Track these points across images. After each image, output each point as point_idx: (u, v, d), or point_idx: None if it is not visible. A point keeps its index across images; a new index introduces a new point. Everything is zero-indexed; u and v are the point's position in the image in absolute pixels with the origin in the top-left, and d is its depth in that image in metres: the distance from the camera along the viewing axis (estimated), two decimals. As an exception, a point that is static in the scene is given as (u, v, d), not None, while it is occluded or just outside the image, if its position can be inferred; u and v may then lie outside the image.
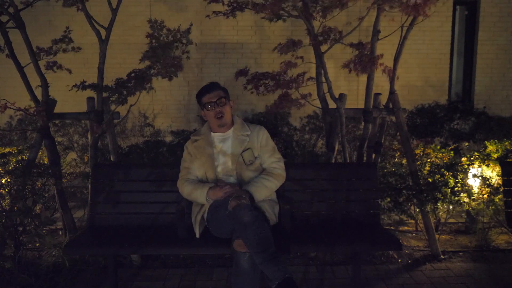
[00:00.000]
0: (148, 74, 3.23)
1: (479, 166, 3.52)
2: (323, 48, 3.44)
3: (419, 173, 3.41)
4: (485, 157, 3.53)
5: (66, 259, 3.10)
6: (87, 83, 3.23)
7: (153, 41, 3.26)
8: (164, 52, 3.21)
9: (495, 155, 3.51)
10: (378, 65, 3.33)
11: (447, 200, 3.27)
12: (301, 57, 3.52)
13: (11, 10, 3.17)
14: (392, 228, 3.98)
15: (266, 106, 3.81)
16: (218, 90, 2.60)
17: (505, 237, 3.72)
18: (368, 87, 3.53)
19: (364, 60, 3.27)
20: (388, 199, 3.39)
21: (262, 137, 2.65)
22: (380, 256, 3.34)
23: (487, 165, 3.50)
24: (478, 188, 3.47)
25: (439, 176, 3.34)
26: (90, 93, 3.32)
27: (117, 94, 3.19)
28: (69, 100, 4.18)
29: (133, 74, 3.26)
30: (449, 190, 3.28)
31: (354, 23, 3.42)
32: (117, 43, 5.66)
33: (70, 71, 3.42)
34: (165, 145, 3.96)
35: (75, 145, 4.92)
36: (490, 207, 3.40)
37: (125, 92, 3.20)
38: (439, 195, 3.25)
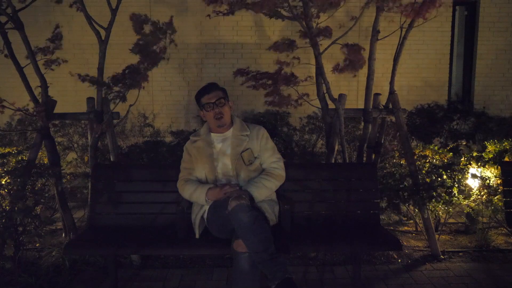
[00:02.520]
0: (140, 69, 3.24)
1: (479, 167, 3.53)
2: (321, 48, 3.44)
3: (418, 173, 3.41)
4: (483, 158, 3.53)
5: (66, 259, 3.10)
6: (88, 77, 3.23)
7: (140, 35, 3.27)
8: (151, 43, 3.23)
9: (491, 155, 3.52)
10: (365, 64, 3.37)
11: (442, 200, 3.27)
12: (298, 58, 3.52)
13: (9, 11, 3.17)
14: (392, 228, 3.99)
15: (266, 109, 3.82)
16: (217, 91, 2.61)
17: (505, 237, 3.72)
18: (368, 87, 3.53)
19: (353, 63, 3.30)
20: (386, 199, 3.39)
21: (261, 137, 2.65)
22: (380, 256, 3.34)
23: (484, 166, 3.50)
24: (477, 188, 3.47)
25: (437, 176, 3.34)
26: (90, 93, 3.32)
27: (115, 92, 3.20)
28: (69, 100, 4.18)
29: (127, 70, 3.26)
30: (445, 190, 3.27)
31: (350, 22, 3.42)
32: (117, 43, 5.65)
33: (66, 61, 3.41)
34: (165, 145, 3.96)
35: (75, 145, 4.92)
36: (489, 208, 3.40)
37: (122, 89, 3.20)
38: (435, 195, 3.25)
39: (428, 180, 3.35)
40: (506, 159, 3.45)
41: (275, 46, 3.49)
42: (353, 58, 3.31)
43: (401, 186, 3.39)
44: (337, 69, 3.40)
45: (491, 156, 3.49)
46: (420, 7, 3.09)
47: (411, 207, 3.50)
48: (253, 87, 3.62)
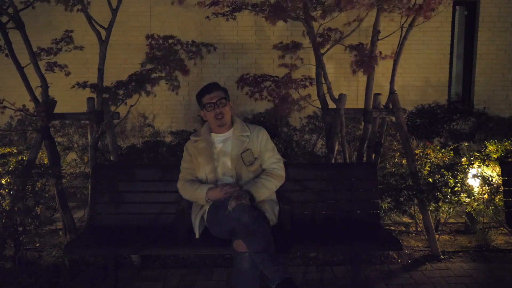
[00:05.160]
0: (149, 77, 3.23)
1: (479, 166, 3.53)
2: (323, 49, 3.44)
3: (419, 173, 3.41)
4: (485, 157, 3.53)
5: (66, 259, 3.10)
6: (88, 83, 3.23)
7: (154, 48, 3.27)
8: (167, 56, 3.22)
9: (495, 155, 3.52)
10: (379, 61, 3.34)
11: (447, 200, 3.27)
12: (301, 59, 3.52)
13: (10, 10, 3.17)
14: (392, 228, 3.99)
15: (266, 109, 3.77)
16: (218, 91, 2.61)
17: (505, 237, 3.72)
18: (368, 87, 3.53)
19: (366, 61, 3.28)
20: (389, 200, 3.39)
21: (261, 138, 2.65)
22: (380, 256, 3.34)
23: (487, 165, 3.50)
24: (478, 188, 3.47)
25: (439, 176, 3.34)
26: (90, 93, 3.32)
27: (114, 95, 3.20)
28: (69, 101, 4.18)
29: (134, 77, 3.26)
30: (449, 190, 3.28)
31: (354, 23, 3.42)
32: (118, 43, 5.66)
33: (69, 74, 3.42)
34: (165, 145, 3.96)
35: (75, 145, 4.92)
36: (490, 207, 3.40)
37: (121, 92, 3.20)
38: (440, 195, 3.26)
39: (430, 180, 3.35)
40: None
41: (282, 46, 3.47)
42: (360, 59, 3.30)
43: (403, 186, 3.39)
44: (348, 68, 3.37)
45: (496, 156, 3.49)
46: (420, 6, 3.09)
47: (412, 207, 3.50)
48: (258, 94, 3.52)
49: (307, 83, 3.46)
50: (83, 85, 3.21)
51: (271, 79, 3.53)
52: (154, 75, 3.25)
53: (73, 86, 3.20)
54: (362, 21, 3.41)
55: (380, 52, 3.39)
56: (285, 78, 3.45)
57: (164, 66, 3.22)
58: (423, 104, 5.71)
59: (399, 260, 3.31)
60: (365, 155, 3.67)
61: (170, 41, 3.32)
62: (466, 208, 3.52)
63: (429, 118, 5.34)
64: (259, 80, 3.54)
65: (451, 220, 4.03)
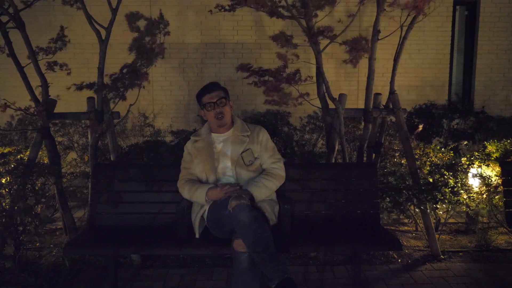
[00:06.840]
0: (139, 68, 3.24)
1: (479, 166, 3.53)
2: (321, 45, 3.44)
3: (419, 172, 3.41)
4: (485, 157, 3.53)
5: (66, 259, 3.11)
6: (84, 83, 3.23)
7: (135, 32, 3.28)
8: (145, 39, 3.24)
9: (495, 155, 3.52)
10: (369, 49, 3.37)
11: (446, 200, 3.27)
12: (297, 56, 3.52)
13: (11, 10, 3.17)
14: (392, 228, 3.99)
15: (267, 109, 3.75)
16: (219, 91, 2.61)
17: (505, 237, 3.72)
18: (368, 87, 3.53)
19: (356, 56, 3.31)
20: (388, 199, 3.39)
21: (262, 138, 2.65)
22: (380, 256, 3.34)
23: (487, 165, 3.50)
24: (478, 188, 3.47)
25: (439, 176, 3.34)
26: (90, 92, 3.32)
27: (113, 92, 3.21)
28: (69, 100, 4.18)
29: (125, 70, 3.26)
30: (449, 190, 3.28)
31: (353, 22, 3.42)
32: (118, 43, 5.64)
33: (69, 71, 3.42)
34: (165, 145, 3.96)
35: (75, 145, 4.92)
36: (488, 207, 3.40)
37: (121, 89, 3.20)
38: (439, 195, 3.26)
39: (430, 179, 3.35)
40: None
41: (275, 37, 3.50)
42: (354, 54, 3.30)
43: (402, 185, 3.39)
44: (345, 61, 3.40)
45: (495, 156, 3.49)
46: (418, 2, 3.09)
47: (412, 207, 3.51)
48: (254, 84, 3.60)
49: (297, 77, 3.46)
50: (80, 86, 3.21)
51: (270, 72, 3.56)
52: (138, 64, 3.24)
53: (69, 88, 3.20)
54: (358, 19, 3.41)
55: (379, 31, 3.39)
56: (277, 70, 3.47)
57: (144, 52, 3.22)
58: (421, 104, 5.71)
59: (399, 260, 3.31)
60: (365, 155, 3.67)
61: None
62: (465, 208, 3.51)
63: (427, 118, 5.34)
64: (261, 73, 3.58)
65: (451, 220, 4.03)
